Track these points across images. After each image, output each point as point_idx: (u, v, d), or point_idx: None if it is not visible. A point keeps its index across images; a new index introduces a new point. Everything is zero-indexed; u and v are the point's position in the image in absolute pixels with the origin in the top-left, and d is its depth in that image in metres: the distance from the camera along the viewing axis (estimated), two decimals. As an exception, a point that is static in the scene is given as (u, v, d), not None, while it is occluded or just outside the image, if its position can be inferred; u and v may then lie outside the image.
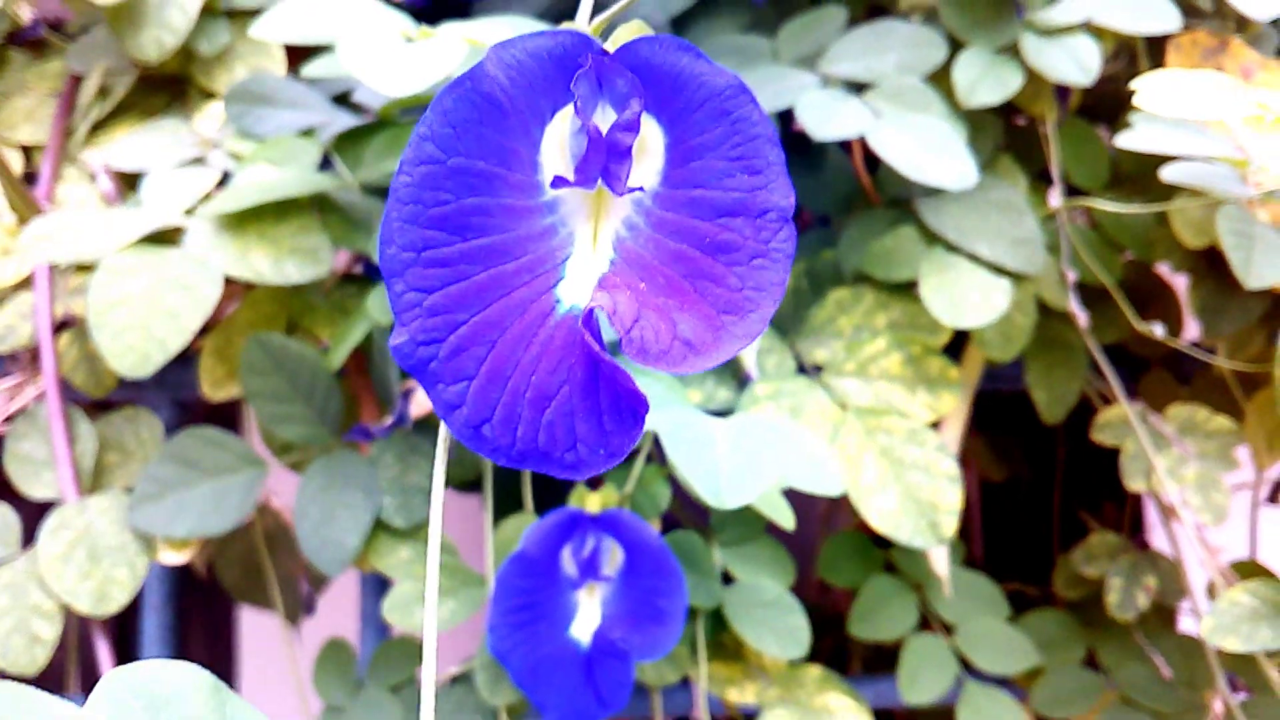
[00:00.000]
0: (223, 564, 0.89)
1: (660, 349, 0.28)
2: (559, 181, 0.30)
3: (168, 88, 0.86)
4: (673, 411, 0.55)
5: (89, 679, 0.67)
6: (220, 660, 1.95)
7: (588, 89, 0.30)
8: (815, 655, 0.72)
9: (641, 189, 0.30)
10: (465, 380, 0.29)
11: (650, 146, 0.31)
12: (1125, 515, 0.94)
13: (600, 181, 0.30)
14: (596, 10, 0.53)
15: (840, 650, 1.37)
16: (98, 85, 0.83)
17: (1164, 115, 0.55)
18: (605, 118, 0.30)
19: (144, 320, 0.60)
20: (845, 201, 0.85)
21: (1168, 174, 0.65)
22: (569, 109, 0.31)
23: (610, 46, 0.33)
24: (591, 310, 0.28)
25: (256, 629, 1.60)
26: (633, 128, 0.29)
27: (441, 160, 0.28)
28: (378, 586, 0.76)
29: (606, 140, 0.29)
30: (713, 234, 0.29)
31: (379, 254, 0.28)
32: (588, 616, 0.60)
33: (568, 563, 0.61)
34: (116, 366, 0.59)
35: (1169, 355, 0.93)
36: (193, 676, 0.27)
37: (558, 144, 0.31)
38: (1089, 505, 1.01)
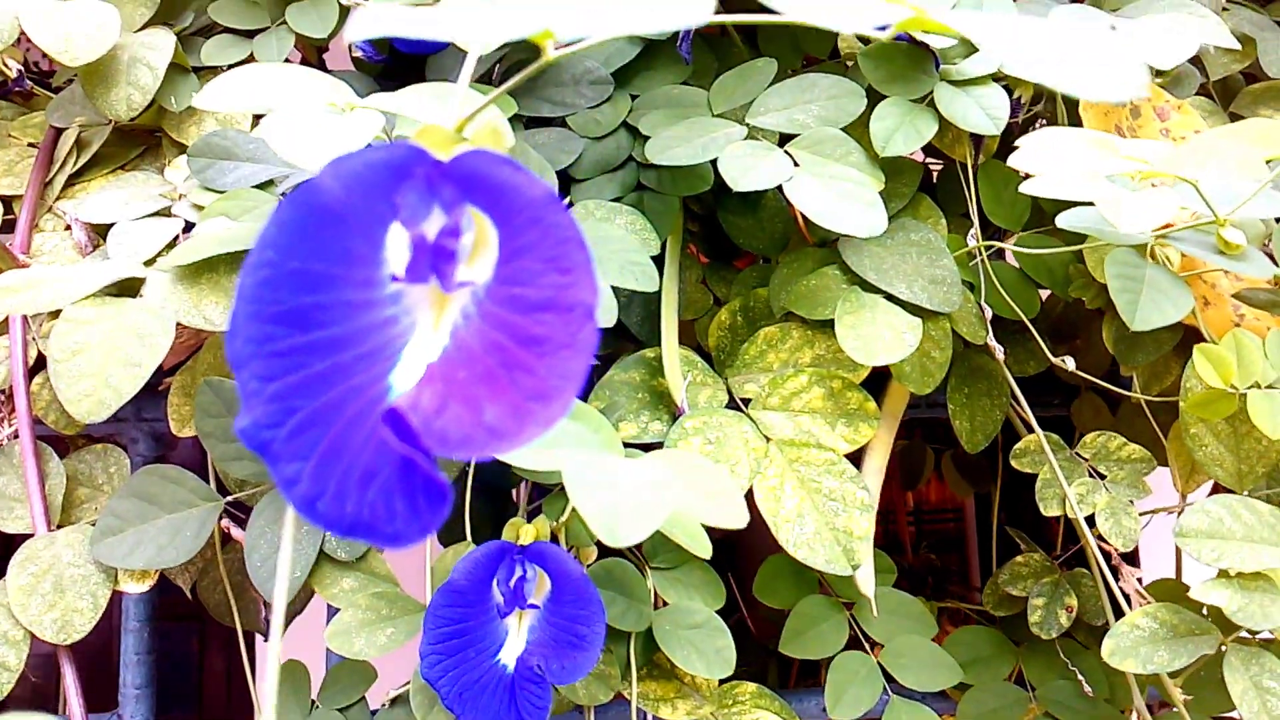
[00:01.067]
0: (205, 587, 0.94)
1: (461, 437, 0.32)
2: (396, 279, 0.34)
3: (142, 139, 0.91)
4: (581, 453, 0.59)
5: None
6: (238, 671, 2.01)
7: (417, 198, 0.34)
8: (787, 671, 0.76)
9: (473, 283, 0.35)
10: (302, 460, 0.33)
11: (489, 242, 0.35)
12: (1060, 535, 0.97)
13: (432, 278, 0.34)
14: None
15: (811, 666, 1.41)
16: (75, 138, 0.88)
17: (1038, 171, 0.59)
18: (436, 222, 0.35)
19: (101, 368, 0.65)
20: (782, 241, 0.89)
21: (1062, 220, 0.70)
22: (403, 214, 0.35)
23: (448, 153, 0.37)
24: (393, 409, 0.32)
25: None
26: (455, 234, 0.34)
27: (280, 264, 0.32)
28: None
29: (433, 245, 0.34)
30: (527, 327, 0.33)
31: (227, 344, 0.33)
32: (515, 642, 0.65)
33: (496, 592, 0.65)
34: (74, 412, 0.63)
35: (1099, 385, 0.97)
36: None
37: (399, 243, 0.35)
38: (1033, 522, 1.05)
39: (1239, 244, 0.66)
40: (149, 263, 0.73)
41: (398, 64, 0.91)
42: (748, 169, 0.75)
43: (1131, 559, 0.85)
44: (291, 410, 0.33)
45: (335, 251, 0.34)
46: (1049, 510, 0.79)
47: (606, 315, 0.69)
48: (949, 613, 1.01)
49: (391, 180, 0.34)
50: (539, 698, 0.62)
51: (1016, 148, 0.91)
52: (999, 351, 0.80)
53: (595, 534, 0.55)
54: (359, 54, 0.91)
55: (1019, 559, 0.90)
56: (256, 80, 0.62)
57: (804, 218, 0.86)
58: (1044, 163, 0.57)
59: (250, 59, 0.89)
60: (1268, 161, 0.53)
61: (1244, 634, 0.70)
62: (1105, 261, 0.68)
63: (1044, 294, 0.92)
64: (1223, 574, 0.67)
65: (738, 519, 0.62)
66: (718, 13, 0.34)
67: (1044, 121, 0.93)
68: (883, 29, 0.35)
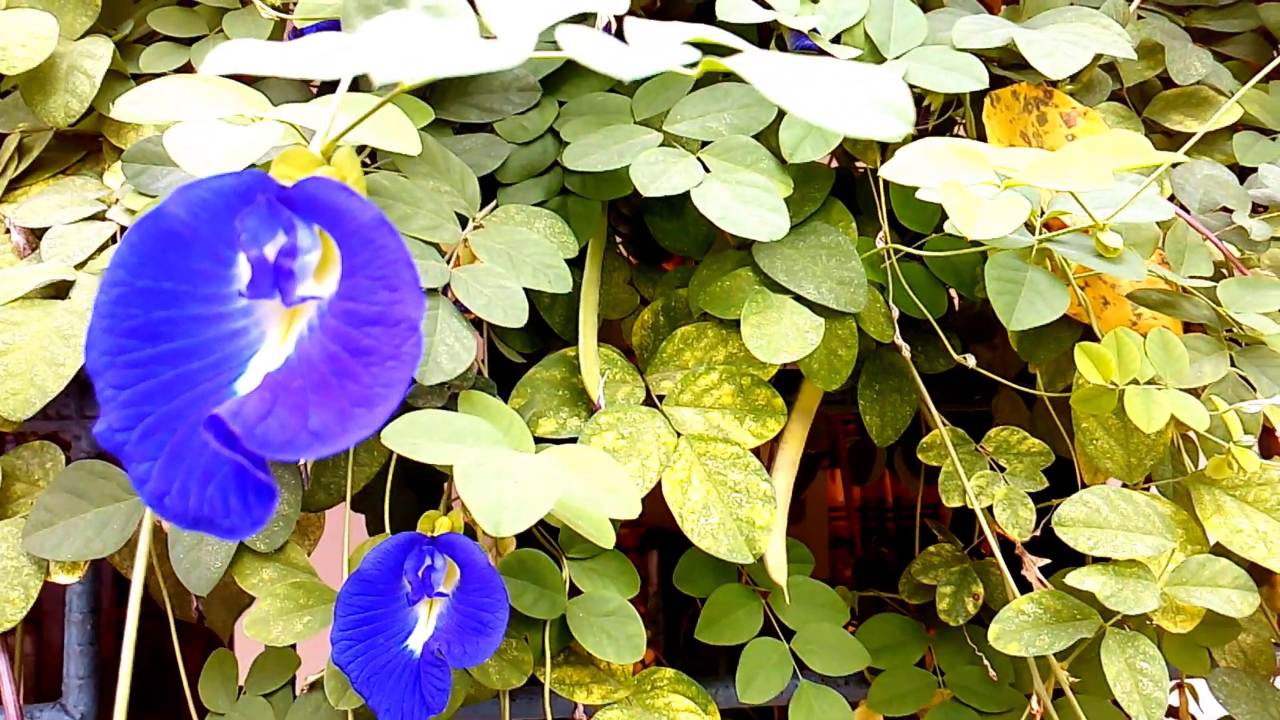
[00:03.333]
0: (152, 581, 0.97)
1: (284, 440, 0.35)
2: (242, 294, 0.37)
3: (83, 145, 0.94)
4: (478, 450, 0.62)
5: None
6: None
7: (257, 221, 0.37)
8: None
9: (319, 298, 0.38)
10: (150, 460, 0.36)
11: (335, 262, 0.38)
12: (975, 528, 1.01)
13: (275, 294, 0.37)
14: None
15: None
16: (16, 143, 0.91)
17: (904, 184, 0.62)
18: (276, 243, 0.38)
19: (29, 368, 0.68)
20: (705, 243, 0.92)
21: (949, 226, 0.73)
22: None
23: (327, 170, 0.40)
24: (214, 416, 0.35)
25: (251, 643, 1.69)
26: (292, 254, 0.37)
27: (130, 282, 0.36)
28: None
29: (274, 265, 0.37)
30: (358, 339, 0.36)
31: (85, 356, 0.36)
32: (423, 629, 0.68)
33: (406, 581, 0.68)
34: (1, 410, 0.66)
35: (1017, 379, 1.00)
36: None
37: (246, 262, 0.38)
38: (959, 516, 1.09)
39: (1116, 247, 0.70)
40: (80, 266, 0.76)
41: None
42: (657, 175, 0.78)
43: (1045, 550, 0.89)
44: (141, 415, 0.36)
45: (182, 270, 0.37)
46: (950, 501, 0.83)
47: (517, 317, 0.72)
48: (877, 602, 1.05)
49: (234, 205, 0.37)
50: (441, 680, 0.65)
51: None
52: (905, 350, 0.84)
53: (480, 525, 0.58)
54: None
55: (931, 549, 0.93)
56: (169, 92, 0.65)
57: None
58: (914, 174, 0.60)
59: (188, 66, 0.92)
60: (1114, 173, 0.56)
61: (1123, 621, 0.74)
62: (986, 265, 0.71)
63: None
64: (1099, 561, 0.70)
65: (630, 510, 0.65)
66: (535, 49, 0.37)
67: (960, 128, 0.96)
68: (690, 65, 0.38)
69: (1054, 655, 0.75)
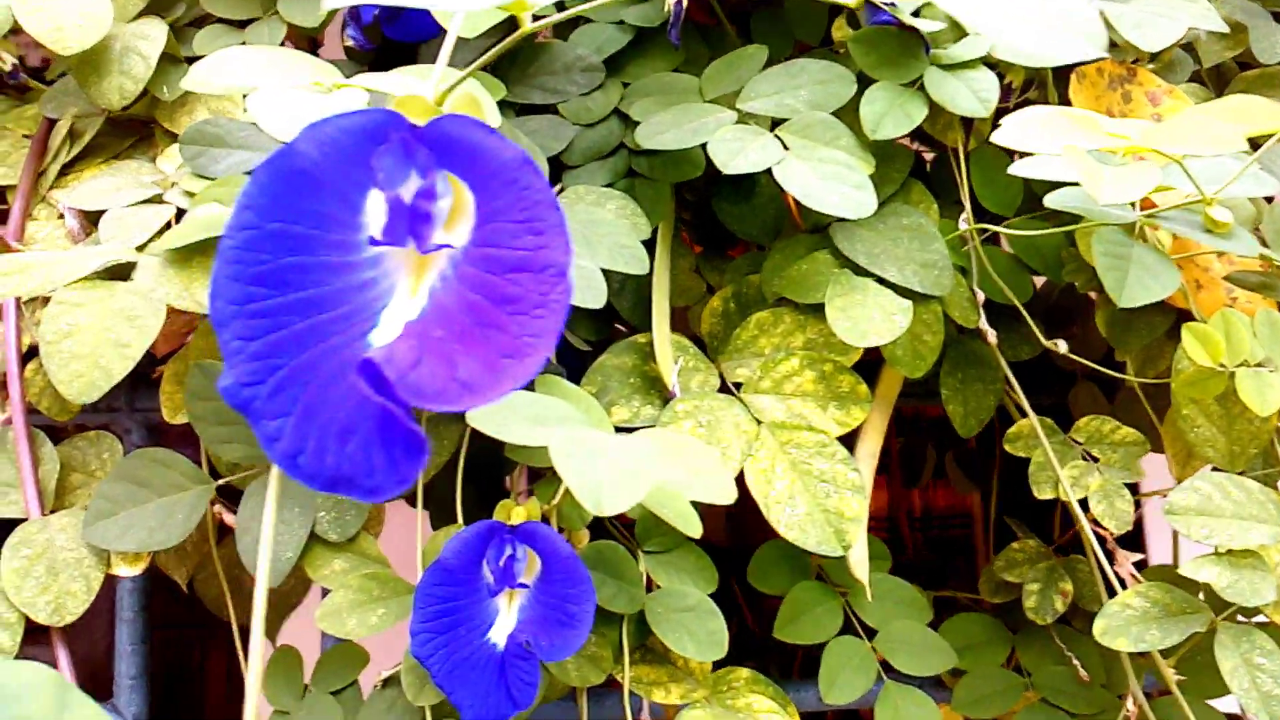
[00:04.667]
0: (202, 580, 0.94)
1: (436, 390, 0.32)
2: (374, 241, 0.34)
3: (135, 129, 0.92)
4: (570, 429, 0.59)
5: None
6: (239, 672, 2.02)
7: (393, 161, 0.34)
8: (790, 661, 0.76)
9: (450, 246, 0.35)
10: (283, 417, 0.33)
11: (466, 207, 0.35)
12: (1056, 523, 0.97)
13: (410, 241, 0.35)
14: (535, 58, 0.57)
15: (812, 658, 1.40)
16: (68, 128, 0.88)
17: (1020, 149, 0.59)
18: (413, 185, 0.35)
19: (92, 350, 0.65)
20: (774, 228, 0.89)
21: (1051, 200, 0.70)
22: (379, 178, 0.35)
23: (423, 118, 0.37)
24: (368, 360, 0.32)
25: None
26: (430, 196, 0.34)
27: (259, 225, 0.33)
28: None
29: (410, 207, 0.34)
30: (502, 287, 0.33)
31: (209, 306, 0.33)
32: (505, 621, 0.65)
33: (487, 571, 0.65)
34: (65, 393, 0.63)
35: (1094, 370, 0.97)
36: (38, 675, 0.30)
37: (378, 207, 0.35)
38: (1032, 514, 1.05)
39: (1226, 222, 0.66)
40: (140, 248, 0.73)
41: (389, 52, 0.92)
42: (736, 152, 0.75)
43: (1135, 545, 0.85)
44: (272, 369, 0.33)
45: (312, 214, 0.34)
46: (1042, 494, 0.79)
47: (596, 298, 0.69)
48: (945, 604, 1.01)
49: (366, 144, 0.34)
50: (528, 675, 0.62)
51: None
52: (991, 335, 0.80)
53: (581, 503, 0.55)
54: (350, 43, 0.91)
55: (1014, 545, 0.89)
56: (243, 60, 0.63)
57: (796, 204, 0.87)
58: (1026, 139, 0.57)
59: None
60: (1249, 138, 0.53)
61: (1237, 615, 0.70)
62: (1092, 240, 0.67)
63: (1040, 282, 0.92)
64: (1213, 552, 0.67)
65: (725, 495, 0.62)
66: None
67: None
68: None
69: (1159, 653, 0.71)
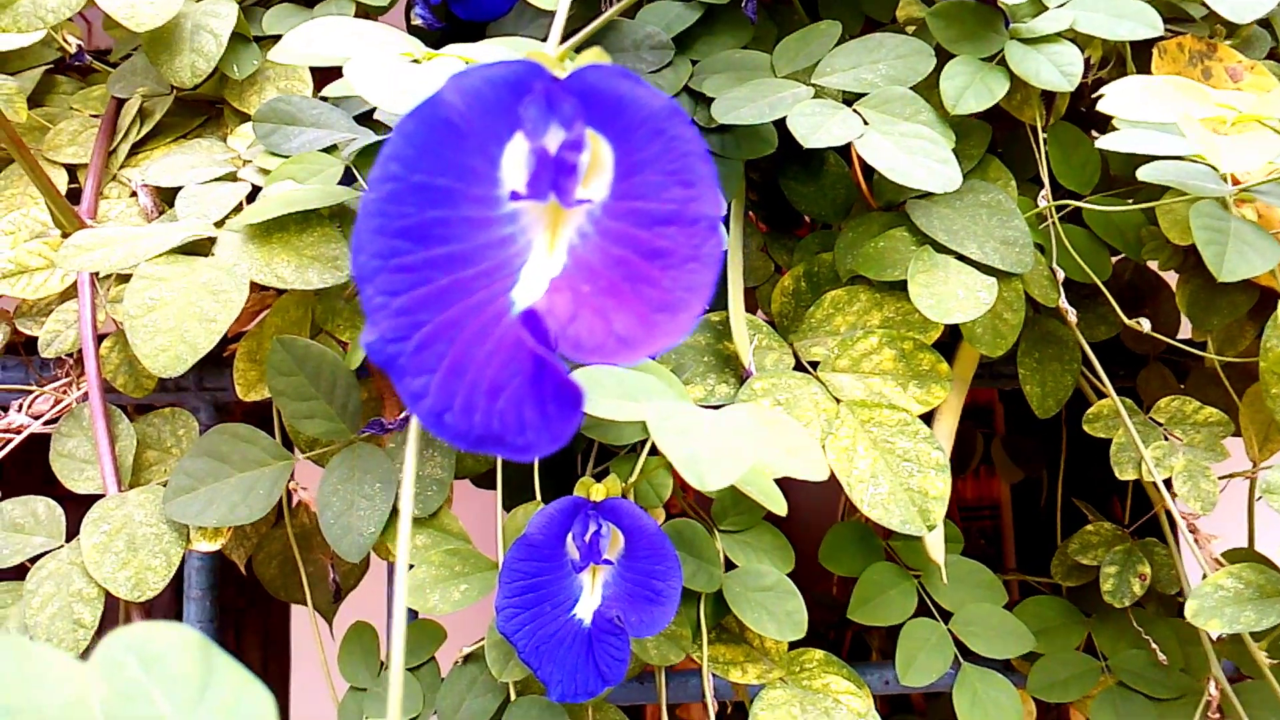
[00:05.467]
0: (261, 560, 0.94)
1: (594, 343, 0.32)
2: (515, 195, 0.34)
3: (203, 109, 0.92)
4: (662, 403, 0.58)
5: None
6: (276, 658, 2.04)
7: (537, 112, 0.34)
8: (836, 647, 0.75)
9: (591, 200, 0.34)
10: (429, 374, 0.33)
11: (603, 162, 0.35)
12: (1128, 506, 0.96)
13: (551, 195, 0.34)
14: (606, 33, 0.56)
15: (860, 643, 1.40)
16: (137, 108, 0.89)
17: (1128, 118, 0.58)
18: (555, 137, 0.34)
19: (177, 323, 0.65)
20: (844, 207, 0.88)
21: (1144, 173, 0.68)
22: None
23: (564, 71, 0.36)
24: (531, 310, 0.31)
25: (308, 630, 1.68)
26: (576, 147, 0.33)
27: (404, 177, 0.32)
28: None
29: (555, 159, 0.33)
30: (650, 241, 0.32)
31: (352, 261, 0.32)
32: (590, 597, 0.64)
33: (571, 547, 0.65)
34: (151, 366, 0.63)
35: (1165, 351, 0.95)
36: (184, 636, 0.30)
37: (516, 161, 0.35)
38: (1094, 497, 1.04)
39: (1326, 195, 0.65)
40: (219, 224, 0.73)
41: (457, 31, 0.91)
42: (816, 126, 0.74)
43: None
44: (417, 324, 0.33)
45: (456, 166, 0.33)
46: (1124, 474, 0.78)
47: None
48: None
49: (512, 96, 0.34)
50: (618, 650, 0.61)
51: (1084, 110, 0.91)
52: (1071, 314, 0.79)
53: (684, 477, 0.54)
54: (418, 22, 0.90)
55: (1089, 528, 0.88)
56: (334, 32, 0.62)
57: (867, 182, 0.86)
58: (1133, 107, 0.56)
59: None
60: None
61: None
62: (1190, 213, 0.66)
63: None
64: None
65: (817, 471, 0.61)
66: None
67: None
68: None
69: (1250, 635, 0.70)
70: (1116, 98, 0.57)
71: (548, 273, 0.34)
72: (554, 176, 0.34)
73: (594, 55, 0.39)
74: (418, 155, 0.32)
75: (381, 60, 0.55)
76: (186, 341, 0.64)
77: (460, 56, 0.57)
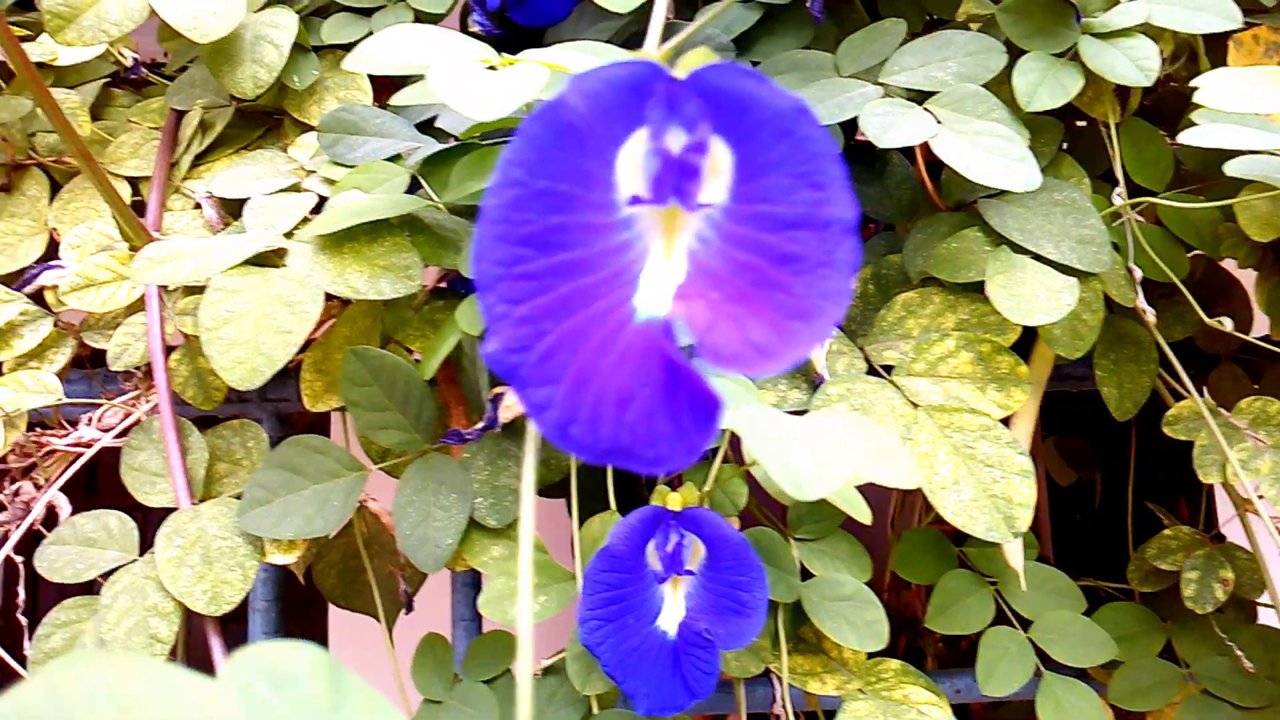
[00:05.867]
0: (320, 570, 0.94)
1: (733, 353, 0.31)
2: (636, 199, 0.33)
3: (263, 120, 0.92)
4: (749, 410, 0.57)
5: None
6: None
7: (660, 114, 0.33)
8: (890, 655, 0.74)
9: (712, 204, 0.33)
10: (553, 384, 0.32)
11: (720, 165, 0.34)
12: (1200, 511, 0.94)
13: (672, 199, 0.33)
14: (666, 36, 0.56)
15: (914, 650, 1.38)
16: (198, 120, 0.89)
17: (1226, 111, 0.56)
18: (676, 140, 0.33)
19: (253, 335, 0.64)
20: (910, 208, 0.86)
21: (1232, 168, 0.67)
22: (642, 132, 0.34)
23: (679, 72, 0.35)
24: (668, 321, 0.31)
25: (343, 638, 1.66)
26: (701, 149, 0.32)
27: (527, 183, 0.31)
28: (468, 585, 0.79)
29: (678, 161, 0.32)
30: (780, 246, 0.31)
31: (473, 269, 0.32)
32: (673, 609, 0.63)
33: (652, 558, 0.64)
34: (228, 379, 0.63)
35: (1237, 352, 0.93)
36: (314, 655, 0.29)
37: (632, 165, 0.34)
38: (1160, 501, 1.02)
39: None
40: (288, 235, 0.73)
41: (514, 38, 0.91)
42: (889, 126, 0.72)
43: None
44: (541, 333, 0.32)
45: (576, 171, 0.32)
46: (1207, 477, 0.76)
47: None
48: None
49: (633, 98, 0.33)
50: (707, 664, 0.60)
51: (1148, 104, 0.89)
52: (1150, 314, 0.77)
53: (781, 488, 0.53)
54: (477, 28, 0.90)
55: (1167, 532, 0.86)
56: (403, 40, 0.62)
57: (934, 182, 0.84)
58: (1232, 100, 0.54)
59: (370, 37, 0.89)
60: None
61: None
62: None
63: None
64: None
65: (908, 478, 0.60)
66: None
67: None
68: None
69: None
70: (1212, 89, 0.55)
71: (670, 279, 0.33)
72: (677, 180, 0.33)
73: (703, 55, 0.38)
74: (540, 160, 0.31)
75: (460, 68, 0.54)
76: (263, 354, 0.64)
77: (541, 62, 0.57)
